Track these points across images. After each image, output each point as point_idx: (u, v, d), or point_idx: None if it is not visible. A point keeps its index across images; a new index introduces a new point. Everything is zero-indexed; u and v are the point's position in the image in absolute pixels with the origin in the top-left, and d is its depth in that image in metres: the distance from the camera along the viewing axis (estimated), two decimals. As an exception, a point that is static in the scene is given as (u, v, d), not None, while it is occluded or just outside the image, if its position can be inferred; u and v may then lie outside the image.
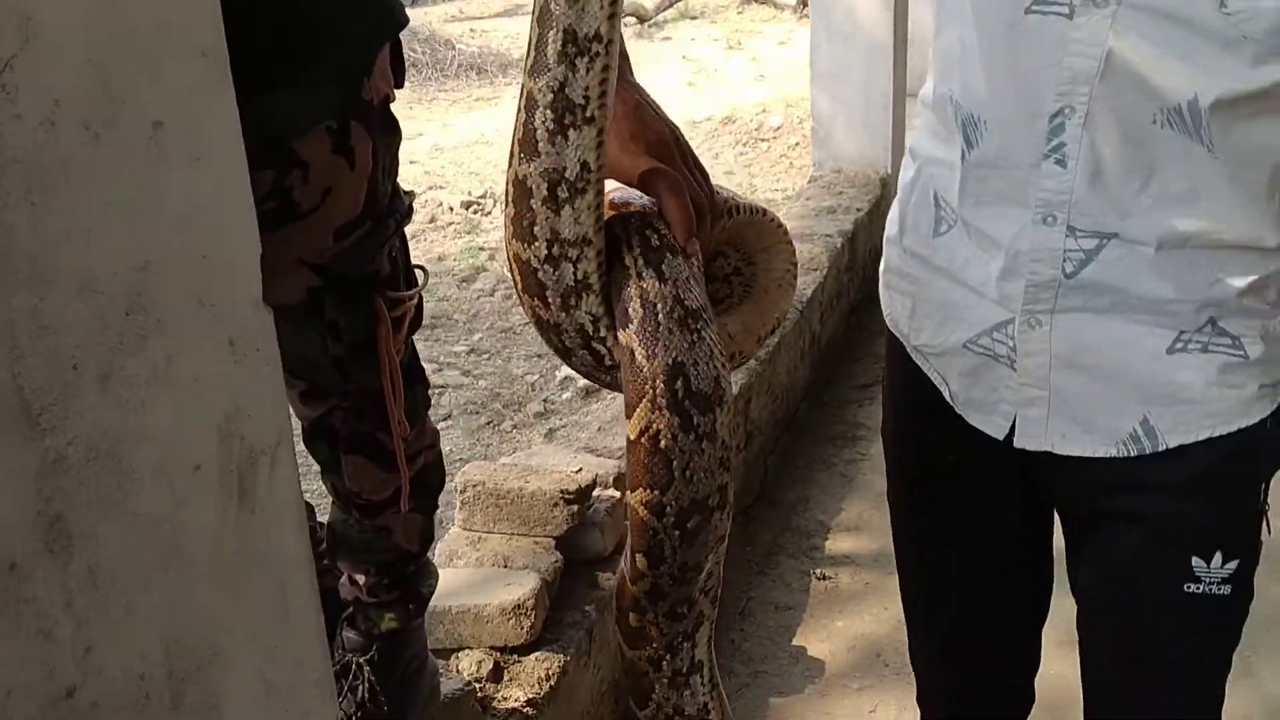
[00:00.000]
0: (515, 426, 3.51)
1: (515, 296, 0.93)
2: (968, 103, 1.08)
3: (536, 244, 0.86)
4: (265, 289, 1.38)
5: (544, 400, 3.61)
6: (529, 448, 3.01)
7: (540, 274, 0.87)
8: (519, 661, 1.85)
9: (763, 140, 6.11)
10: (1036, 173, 1.05)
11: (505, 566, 1.96)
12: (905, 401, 1.29)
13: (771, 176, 5.49)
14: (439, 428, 3.69)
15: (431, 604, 1.84)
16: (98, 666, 0.99)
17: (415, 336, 1.50)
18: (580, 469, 2.11)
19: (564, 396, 3.57)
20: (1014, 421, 1.16)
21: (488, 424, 3.54)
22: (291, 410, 1.43)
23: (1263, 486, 1.14)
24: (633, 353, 0.86)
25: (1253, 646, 2.29)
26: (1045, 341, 1.10)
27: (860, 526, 2.75)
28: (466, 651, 1.84)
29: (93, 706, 0.99)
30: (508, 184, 0.87)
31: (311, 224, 1.28)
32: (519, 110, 0.85)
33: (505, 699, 1.78)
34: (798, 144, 5.73)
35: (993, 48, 1.05)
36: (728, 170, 5.59)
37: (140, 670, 1.02)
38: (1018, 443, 1.15)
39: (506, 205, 0.88)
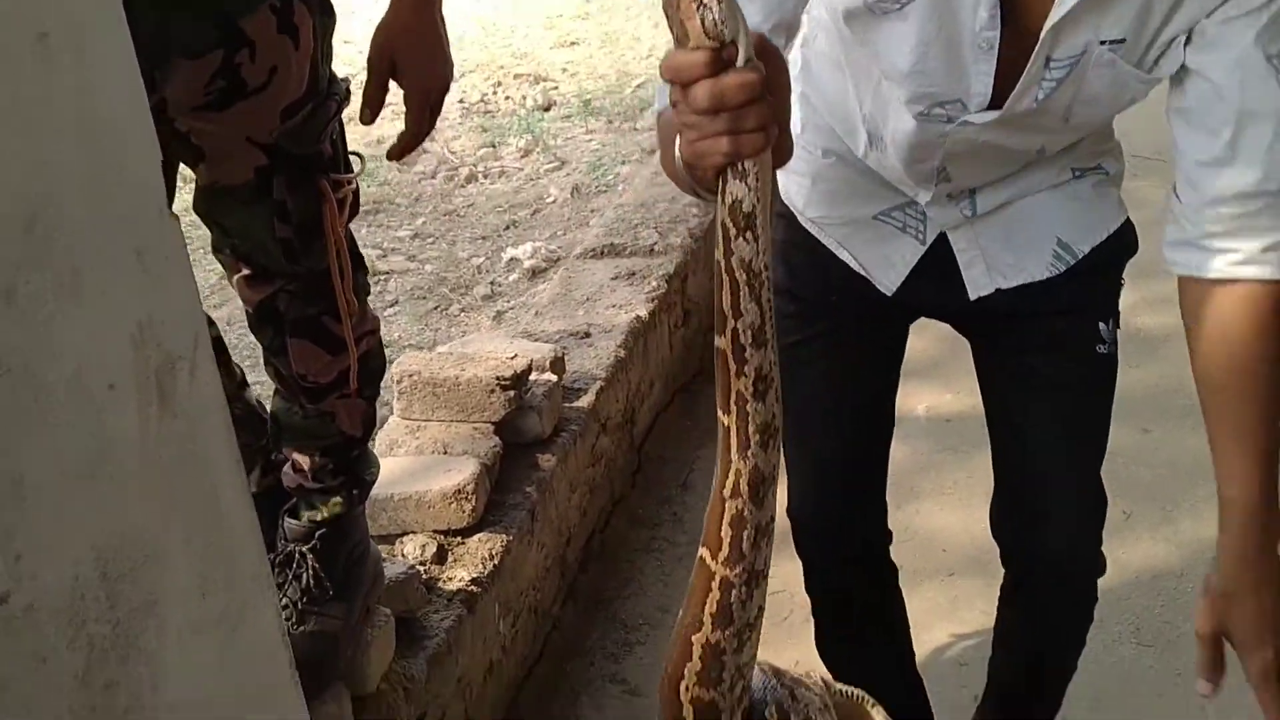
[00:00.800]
0: (463, 310, 3.51)
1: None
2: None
3: (723, 684, 0.98)
4: (215, 169, 1.38)
5: (491, 283, 3.60)
6: (478, 331, 3.03)
7: (719, 702, 0.99)
8: (462, 543, 1.91)
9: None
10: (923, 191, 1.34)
11: (445, 453, 2.00)
12: (795, 250, 1.45)
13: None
14: (385, 314, 3.68)
15: (373, 492, 1.89)
16: (30, 573, 1.02)
17: (357, 222, 1.53)
18: (516, 355, 2.15)
19: (511, 278, 3.57)
20: (905, 278, 1.38)
21: (435, 309, 3.54)
22: (237, 295, 1.46)
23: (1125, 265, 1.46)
24: None
25: (1173, 500, 2.40)
26: (972, 235, 1.37)
27: (799, 396, 2.82)
28: (410, 536, 1.89)
29: (28, 610, 1.02)
30: (695, 646, 0.99)
31: (259, 102, 1.32)
32: (709, 590, 0.98)
33: (450, 579, 1.84)
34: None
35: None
36: (670, 40, 5.49)
37: (74, 573, 1.06)
38: (973, 296, 1.38)
39: (689, 661, 0.99)
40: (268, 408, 1.63)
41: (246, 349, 3.04)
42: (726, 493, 0.97)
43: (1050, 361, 1.42)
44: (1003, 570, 1.61)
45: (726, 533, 0.96)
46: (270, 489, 1.61)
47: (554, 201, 3.87)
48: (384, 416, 2.16)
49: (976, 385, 2.78)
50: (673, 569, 2.34)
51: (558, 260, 3.35)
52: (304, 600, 1.53)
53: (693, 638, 0.98)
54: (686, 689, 0.99)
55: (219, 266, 1.53)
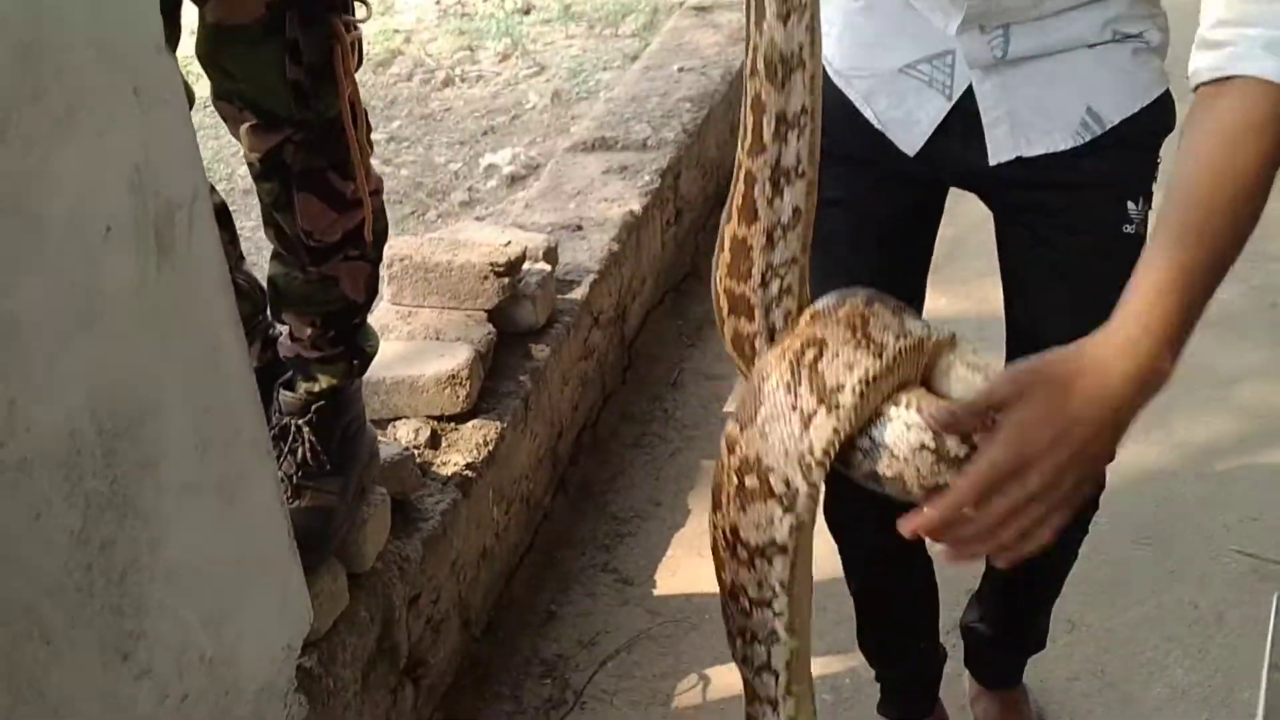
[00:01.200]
0: (440, 216, 3.44)
1: (717, 325, 1.04)
2: None
3: (751, 279, 0.98)
4: (225, 4, 1.31)
5: (468, 189, 3.53)
6: (458, 234, 2.97)
7: (751, 298, 0.99)
8: (456, 429, 1.87)
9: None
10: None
11: (437, 339, 1.96)
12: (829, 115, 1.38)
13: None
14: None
15: (367, 375, 1.85)
16: (24, 423, 0.97)
17: None
18: (509, 242, 2.09)
19: (489, 184, 3.50)
20: (926, 139, 1.32)
21: (412, 214, 3.47)
22: (245, 147, 1.39)
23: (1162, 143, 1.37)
24: None
25: (1167, 400, 2.39)
26: (1000, 88, 1.29)
27: (790, 298, 2.79)
28: (403, 421, 1.85)
29: (23, 462, 0.98)
30: (725, 238, 0.99)
31: None
32: (736, 182, 0.97)
33: (445, 464, 1.81)
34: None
35: None
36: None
37: (69, 427, 1.01)
38: (992, 161, 1.31)
39: (721, 252, 1.00)
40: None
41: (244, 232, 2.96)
42: (746, 72, 0.94)
43: (1072, 238, 1.35)
44: None
45: (748, 119, 0.95)
46: (268, 365, 1.57)
47: (533, 107, 3.79)
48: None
49: (971, 290, 2.75)
50: (663, 464, 2.32)
51: (537, 167, 3.29)
52: (299, 474, 1.49)
53: (724, 229, 0.99)
54: (719, 279, 1.01)
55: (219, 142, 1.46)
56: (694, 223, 2.93)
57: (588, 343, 2.30)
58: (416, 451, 1.79)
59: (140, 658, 1.10)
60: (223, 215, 1.47)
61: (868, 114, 1.35)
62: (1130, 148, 1.32)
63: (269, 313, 1.55)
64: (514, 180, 3.38)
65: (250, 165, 1.41)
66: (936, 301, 2.73)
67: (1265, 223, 3.22)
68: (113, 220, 1.05)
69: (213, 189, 1.41)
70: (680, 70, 3.15)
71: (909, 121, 1.33)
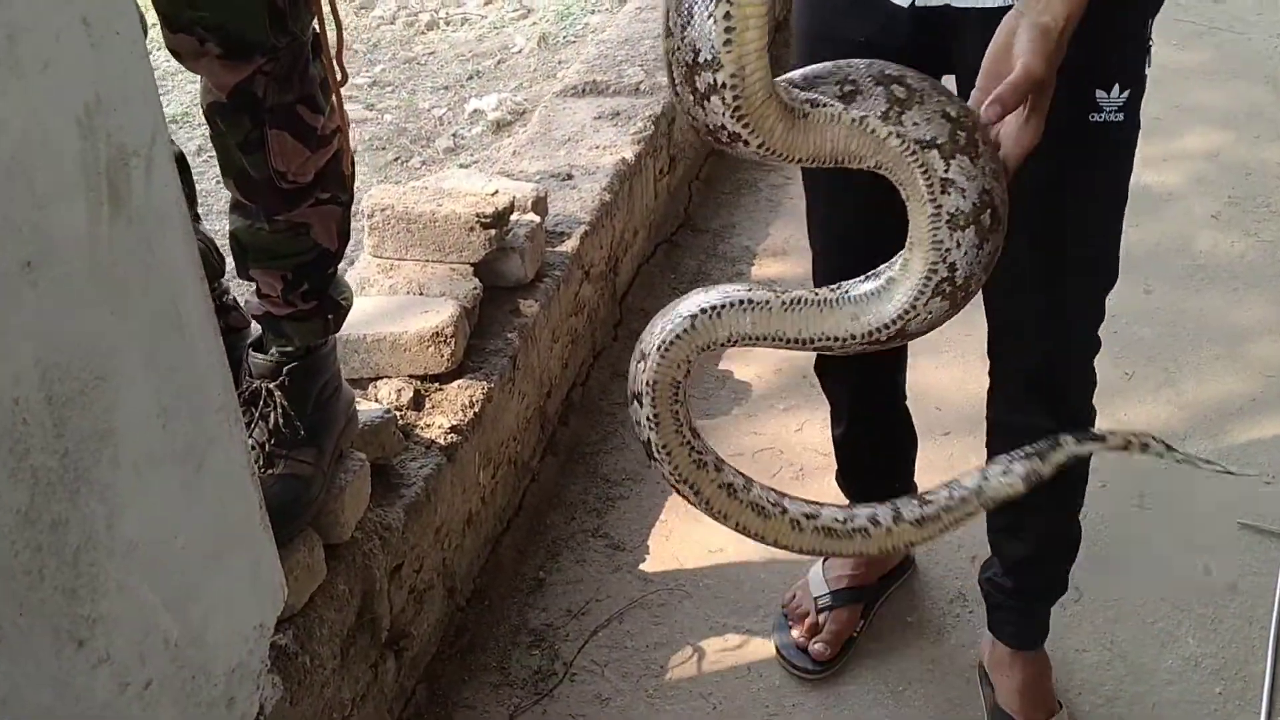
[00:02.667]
0: (424, 162, 3.34)
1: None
2: None
3: None
4: None
5: (453, 135, 3.43)
6: (442, 182, 2.87)
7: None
8: (440, 389, 1.78)
9: None
10: None
11: (421, 294, 1.86)
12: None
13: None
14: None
15: (346, 333, 1.75)
16: (-37, 388, 0.88)
17: None
18: (496, 191, 1.99)
19: (474, 131, 3.39)
20: None
21: (395, 160, 3.36)
22: (210, 83, 1.29)
23: (1149, 21, 1.27)
24: None
25: (1174, 360, 2.32)
26: None
27: (787, 251, 2.69)
28: (385, 380, 1.76)
29: (-39, 432, 0.89)
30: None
31: None
32: None
33: (429, 426, 1.72)
34: None
35: None
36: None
37: (13, 394, 0.92)
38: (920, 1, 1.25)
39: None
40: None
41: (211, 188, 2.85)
42: None
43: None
44: None
45: None
46: (226, 332, 1.47)
47: (519, 51, 3.67)
48: (354, 253, 2.00)
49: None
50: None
51: (524, 113, 3.18)
52: (272, 442, 1.40)
53: None
54: None
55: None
56: (688, 171, 2.82)
57: (578, 297, 2.20)
58: (399, 413, 1.70)
59: (97, 644, 1.02)
60: (180, 166, 1.36)
61: None
62: (1097, 26, 1.12)
63: (236, 270, 1.44)
64: (500, 126, 3.28)
65: (212, 105, 1.29)
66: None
67: (1270, 176, 3.14)
68: (59, 165, 0.94)
69: (170, 139, 1.30)
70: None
71: None
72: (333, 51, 1.34)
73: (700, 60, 0.90)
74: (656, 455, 1.08)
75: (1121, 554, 1.93)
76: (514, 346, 1.90)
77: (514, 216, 2.02)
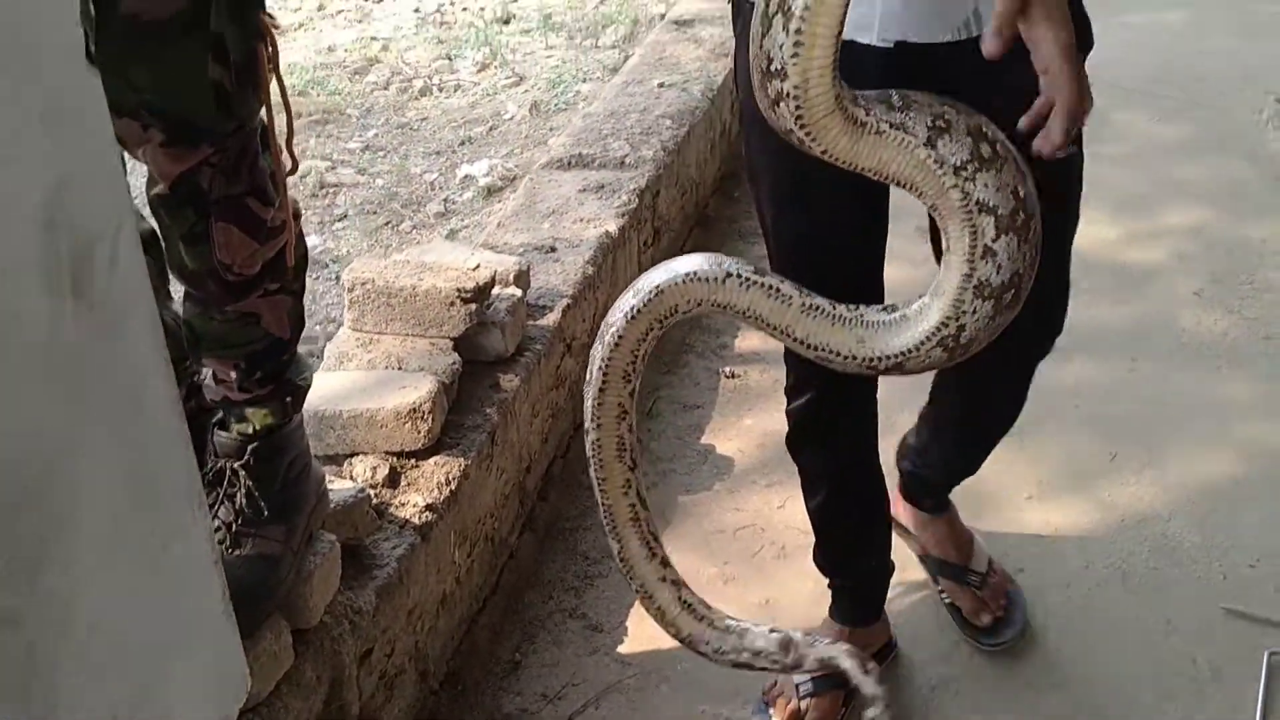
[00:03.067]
0: (415, 227, 3.35)
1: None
2: None
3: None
4: (150, 4, 1.15)
5: (444, 200, 3.44)
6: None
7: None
8: (416, 466, 1.76)
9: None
10: None
11: (399, 369, 1.85)
12: None
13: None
14: (334, 228, 3.48)
15: (322, 408, 1.74)
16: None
17: (305, 131, 1.36)
18: (478, 265, 1.98)
19: (465, 196, 3.40)
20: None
21: (386, 224, 3.37)
22: (153, 172, 1.26)
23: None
24: None
25: (1159, 440, 2.31)
26: None
27: (771, 324, 2.68)
28: (360, 457, 1.74)
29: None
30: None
31: None
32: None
33: (403, 504, 1.70)
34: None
35: None
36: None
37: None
38: (879, 39, 1.31)
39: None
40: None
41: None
42: None
43: None
44: None
45: None
46: (194, 413, 1.45)
47: (511, 118, 3.70)
48: (331, 330, 2.00)
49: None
50: (638, 499, 2.21)
51: (514, 179, 3.19)
52: (238, 521, 1.38)
53: None
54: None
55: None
56: (672, 243, 2.82)
57: (559, 371, 2.19)
58: (373, 491, 1.68)
59: (49, 742, 0.99)
60: (150, 243, 1.35)
61: None
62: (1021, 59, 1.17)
63: (191, 358, 1.43)
64: (491, 192, 3.30)
65: (156, 197, 1.27)
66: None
67: (1253, 253, 3.15)
68: (19, 262, 0.93)
69: (140, 216, 1.29)
70: (660, 86, 3.05)
71: (869, 18, 1.31)
72: (281, 139, 1.32)
73: (771, 69, 0.97)
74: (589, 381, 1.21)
75: (1106, 636, 1.90)
76: (492, 422, 1.88)
77: (496, 290, 2.02)
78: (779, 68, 0.96)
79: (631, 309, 1.13)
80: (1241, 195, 3.16)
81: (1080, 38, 1.15)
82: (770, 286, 1.08)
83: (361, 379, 1.82)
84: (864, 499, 1.79)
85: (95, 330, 1.02)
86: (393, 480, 1.73)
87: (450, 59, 4.18)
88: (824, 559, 1.84)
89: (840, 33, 0.97)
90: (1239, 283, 2.78)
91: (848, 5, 0.97)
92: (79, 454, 1.00)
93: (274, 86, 1.29)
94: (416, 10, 4.70)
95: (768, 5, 0.97)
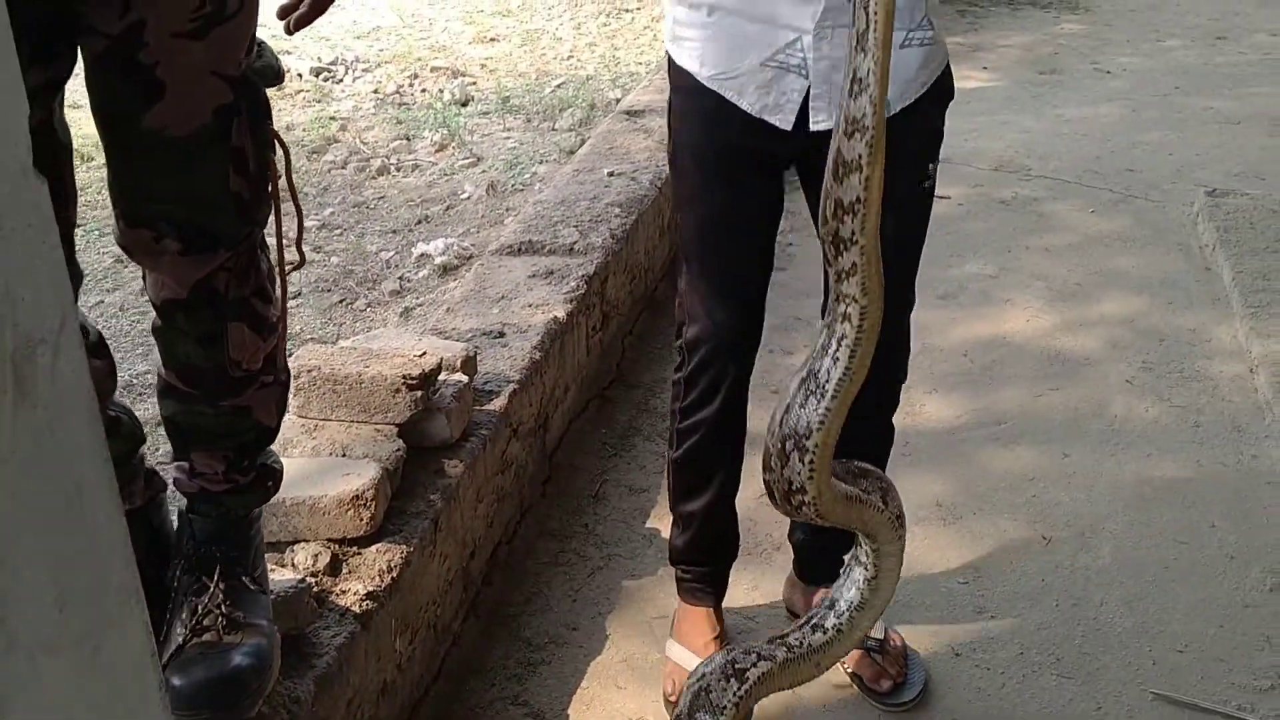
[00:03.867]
0: (369, 305, 3.37)
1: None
2: None
3: None
4: (171, 109, 1.21)
5: (400, 279, 3.48)
6: (384, 326, 2.89)
7: None
8: (359, 554, 1.78)
9: (627, 11, 5.92)
10: None
11: (344, 455, 1.87)
12: (701, 117, 1.72)
13: (635, 49, 5.34)
14: (288, 306, 3.53)
15: (263, 496, 1.75)
16: None
17: None
18: (425, 353, 2.02)
19: (421, 275, 3.44)
20: (798, 113, 1.63)
21: (340, 302, 3.39)
22: (168, 279, 1.30)
23: (945, 112, 1.76)
24: None
25: (1092, 526, 2.36)
26: (828, 49, 1.59)
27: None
28: (302, 545, 1.75)
29: None
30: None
31: (234, 28, 1.22)
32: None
33: (344, 592, 1.71)
34: (661, 16, 5.57)
35: None
36: (591, 42, 5.41)
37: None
38: (813, 127, 1.63)
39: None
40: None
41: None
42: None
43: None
44: None
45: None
46: (146, 505, 1.48)
47: (468, 198, 3.75)
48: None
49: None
50: (582, 584, 2.23)
51: (470, 258, 3.24)
52: (227, 604, 1.39)
53: None
54: None
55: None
56: (621, 328, 2.87)
57: (505, 455, 2.22)
58: (314, 579, 1.69)
59: (-28, 842, 0.99)
60: (98, 344, 1.38)
61: (744, 105, 1.65)
62: (915, 114, 1.66)
63: (174, 453, 1.45)
64: (447, 270, 3.33)
65: (169, 302, 1.31)
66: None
67: (1183, 342, 3.26)
68: (-39, 360, 0.96)
69: (83, 324, 1.32)
70: (610, 174, 3.12)
71: (779, 104, 1.64)
72: (290, 237, 1.39)
73: (794, 488, 1.39)
74: None
75: (1036, 719, 1.94)
76: (436, 508, 1.90)
77: (442, 376, 2.05)
78: (800, 485, 1.38)
79: None
80: (1174, 285, 3.26)
81: None
82: (774, 656, 1.55)
83: (305, 466, 1.84)
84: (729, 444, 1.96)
85: (36, 427, 1.04)
86: (334, 568, 1.74)
87: (408, 139, 4.24)
88: (679, 486, 2.00)
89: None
90: (1169, 370, 2.87)
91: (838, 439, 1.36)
92: (16, 546, 1.02)
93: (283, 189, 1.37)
94: (375, 91, 4.77)
95: (783, 444, 1.37)
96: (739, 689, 1.53)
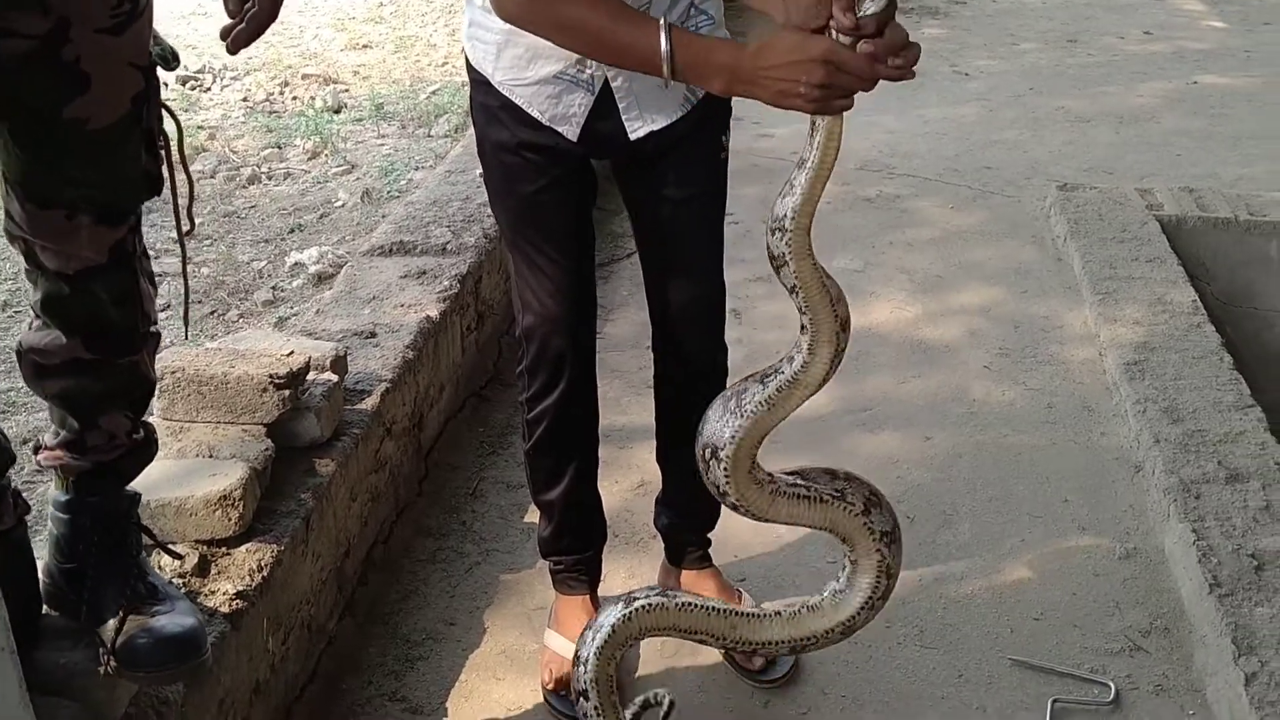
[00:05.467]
0: (241, 316, 3.32)
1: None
2: None
3: None
4: (93, 103, 1.29)
5: (273, 288, 3.43)
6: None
7: None
8: (228, 554, 1.76)
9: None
10: None
11: (211, 456, 1.85)
12: (499, 113, 1.75)
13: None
14: (159, 316, 3.47)
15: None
16: None
17: None
18: (292, 352, 2.01)
19: (295, 284, 3.40)
20: (583, 126, 1.71)
21: (212, 313, 3.33)
22: (86, 251, 1.37)
23: None
24: None
25: (952, 505, 2.46)
26: (627, 84, 1.67)
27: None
28: (169, 546, 1.73)
29: None
30: None
31: (144, 22, 1.35)
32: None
33: (213, 592, 1.69)
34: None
35: None
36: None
37: None
38: (632, 137, 1.72)
39: None
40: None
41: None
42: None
43: (687, 172, 1.79)
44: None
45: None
46: (15, 525, 1.48)
47: (343, 205, 3.72)
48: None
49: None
50: (460, 580, 2.24)
51: (345, 266, 3.22)
52: (150, 574, 1.50)
53: None
54: None
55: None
56: (497, 327, 2.89)
57: (379, 454, 2.22)
58: (182, 580, 1.68)
59: None
60: None
61: (534, 113, 1.71)
62: (715, 101, 1.72)
63: (80, 428, 1.49)
64: (321, 279, 3.29)
65: (84, 271, 1.37)
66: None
67: (1037, 329, 3.39)
68: None
69: None
70: (482, 175, 3.14)
71: (566, 116, 1.70)
72: (183, 203, 1.49)
73: (720, 491, 1.39)
74: None
75: (902, 690, 2.01)
76: (307, 507, 1.90)
77: (311, 376, 2.04)
78: (723, 491, 1.38)
79: (596, 649, 1.42)
80: (1028, 275, 3.41)
81: None
82: (712, 607, 1.44)
83: (171, 468, 1.82)
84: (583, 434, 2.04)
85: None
86: (202, 569, 1.73)
87: (280, 147, 4.18)
88: (537, 475, 2.05)
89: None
90: (1024, 355, 3.00)
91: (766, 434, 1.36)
92: None
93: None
94: (245, 99, 4.70)
95: (703, 451, 1.38)
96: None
